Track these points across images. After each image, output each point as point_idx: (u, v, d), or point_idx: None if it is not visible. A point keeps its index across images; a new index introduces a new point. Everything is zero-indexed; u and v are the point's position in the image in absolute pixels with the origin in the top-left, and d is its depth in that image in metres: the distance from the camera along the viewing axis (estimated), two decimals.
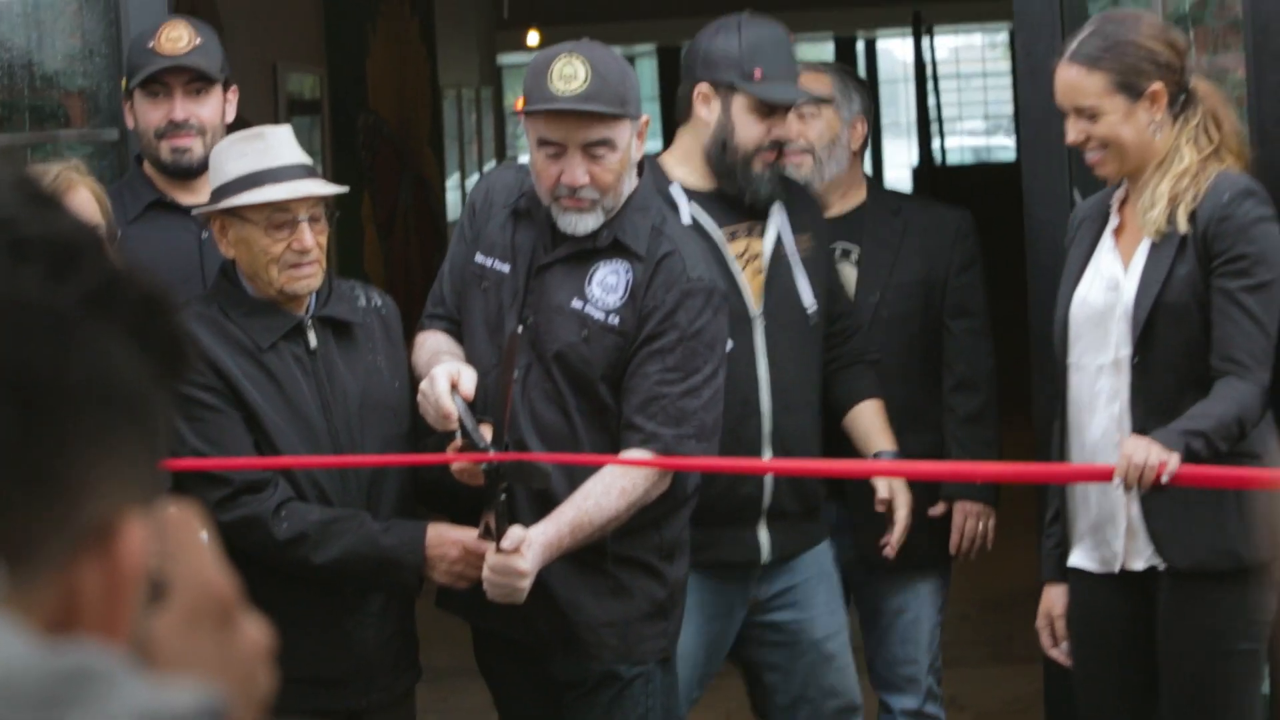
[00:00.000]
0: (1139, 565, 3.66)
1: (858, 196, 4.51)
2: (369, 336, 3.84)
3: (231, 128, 4.18)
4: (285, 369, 3.73)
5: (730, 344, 3.87)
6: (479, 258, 3.85)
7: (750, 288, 4.15)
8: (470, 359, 3.79)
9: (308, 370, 3.75)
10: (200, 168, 4.06)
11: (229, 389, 3.67)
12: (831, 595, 4.28)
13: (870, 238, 4.45)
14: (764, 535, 4.15)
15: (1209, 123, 3.64)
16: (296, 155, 3.75)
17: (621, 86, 3.71)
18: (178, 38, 4.12)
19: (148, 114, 4.11)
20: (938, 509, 4.37)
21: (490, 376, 3.70)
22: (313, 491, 3.71)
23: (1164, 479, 3.29)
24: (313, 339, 3.77)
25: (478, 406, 3.64)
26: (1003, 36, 19.02)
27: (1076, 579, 3.78)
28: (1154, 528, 3.62)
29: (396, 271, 10.63)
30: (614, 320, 3.72)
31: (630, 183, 3.77)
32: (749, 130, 4.11)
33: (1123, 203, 3.74)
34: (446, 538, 3.71)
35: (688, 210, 4.14)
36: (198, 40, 4.12)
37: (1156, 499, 3.53)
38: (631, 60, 20.78)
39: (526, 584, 3.54)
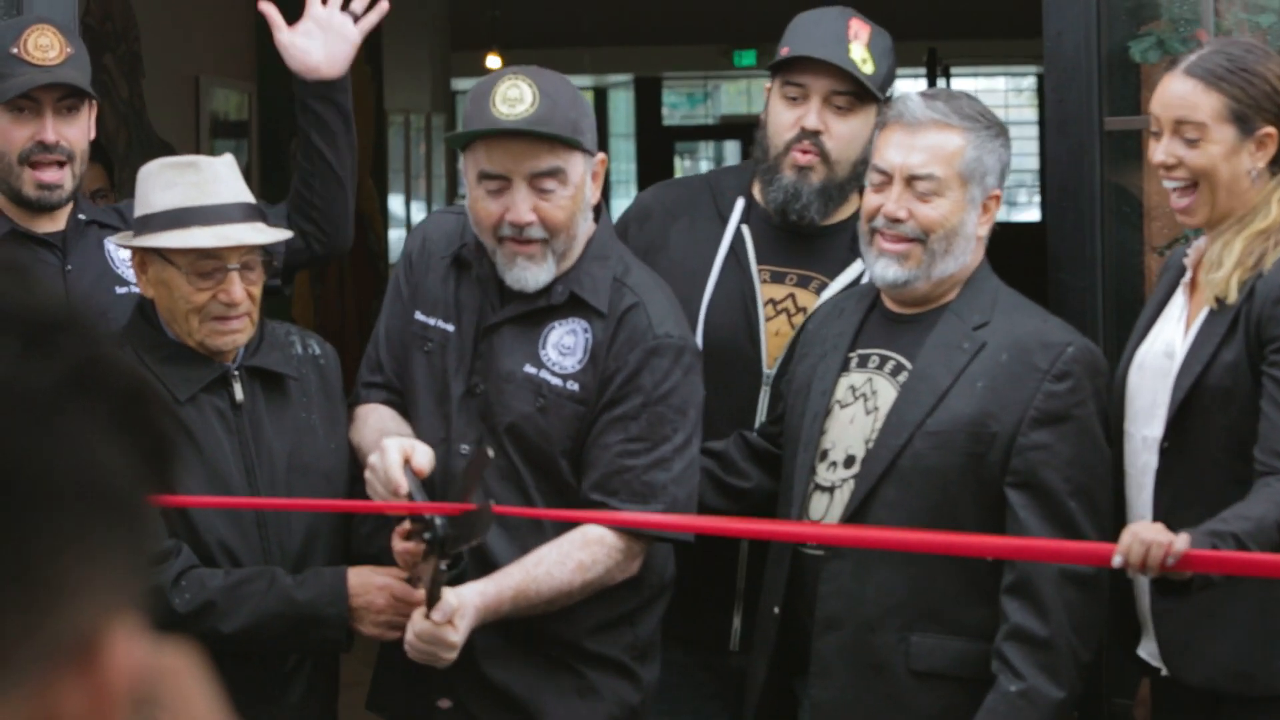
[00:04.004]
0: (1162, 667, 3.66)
1: None
2: (304, 391, 3.81)
3: (95, 147, 4.16)
4: (205, 425, 3.69)
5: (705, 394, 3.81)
6: (419, 315, 3.84)
7: (768, 342, 4.07)
8: (415, 431, 3.77)
9: (231, 427, 3.72)
10: (68, 200, 4.02)
11: None
12: None
13: None
14: (737, 622, 4.11)
15: None
16: (235, 192, 3.70)
17: (574, 112, 3.70)
18: (48, 45, 3.98)
19: (9, 132, 3.97)
20: None
21: (439, 451, 3.68)
22: (227, 564, 3.68)
23: (1169, 560, 3.26)
24: (239, 391, 3.74)
25: (434, 485, 3.62)
26: (1029, 81, 19.13)
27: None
28: (1162, 635, 3.62)
29: (329, 319, 10.61)
30: (573, 386, 3.70)
31: (585, 229, 3.75)
32: (777, 120, 4.05)
33: (1201, 256, 3.72)
34: (372, 583, 3.69)
35: (732, 230, 4.08)
36: (69, 50, 4.01)
37: (1164, 603, 3.52)
38: (604, 92, 20.90)
39: (453, 656, 3.54)
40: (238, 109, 9.66)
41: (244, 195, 3.72)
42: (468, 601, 3.55)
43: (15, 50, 3.95)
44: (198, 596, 3.62)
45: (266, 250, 3.74)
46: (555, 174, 3.66)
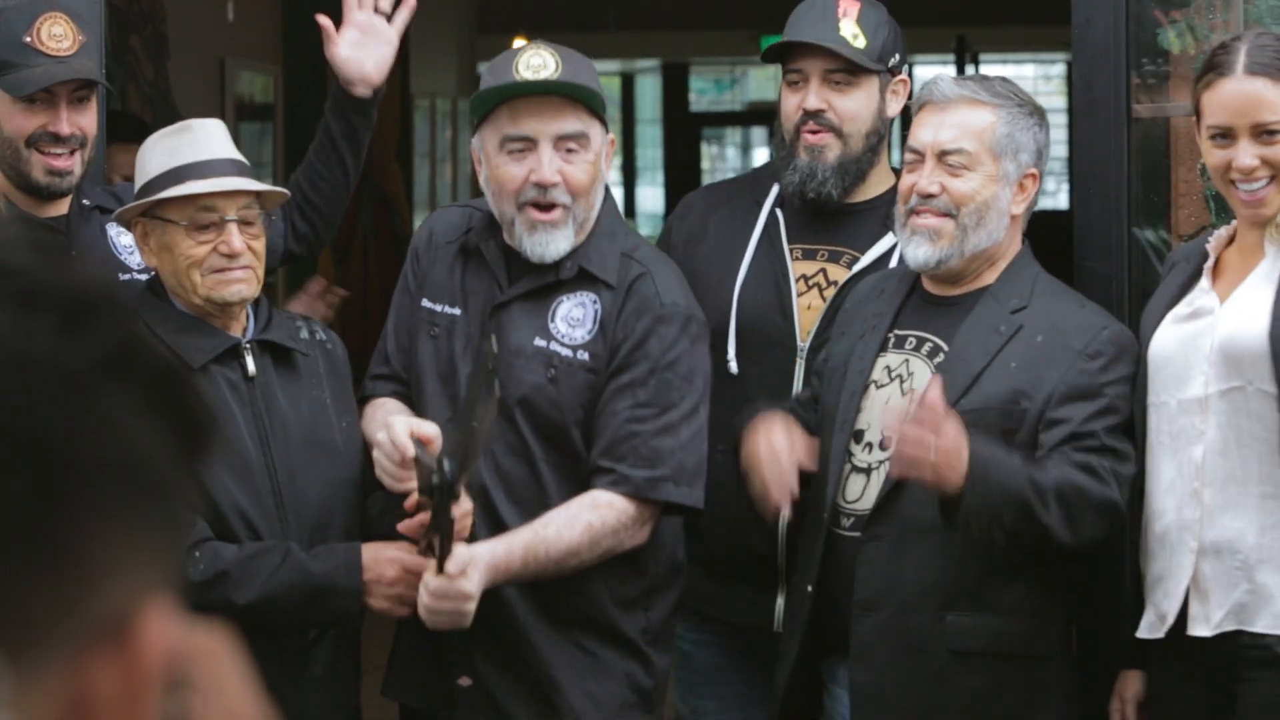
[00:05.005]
0: (1204, 630, 3.64)
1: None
2: (313, 370, 3.86)
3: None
4: (218, 395, 3.73)
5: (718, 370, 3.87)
6: (426, 303, 3.89)
7: (801, 315, 4.13)
8: (421, 414, 3.80)
9: (244, 399, 3.76)
10: (74, 187, 4.02)
11: None
12: None
13: None
14: (780, 602, 4.13)
15: None
16: (226, 149, 3.77)
17: (594, 84, 3.77)
18: (62, 35, 3.95)
19: (18, 120, 3.94)
20: None
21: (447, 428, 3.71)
22: (247, 536, 3.71)
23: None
24: (251, 364, 3.77)
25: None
26: (1059, 69, 19.11)
27: (1153, 655, 3.78)
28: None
29: (352, 301, 10.62)
30: (583, 356, 3.75)
31: (598, 205, 3.81)
32: (785, 106, 4.17)
33: (1225, 245, 3.75)
34: (382, 556, 3.71)
35: (765, 213, 4.17)
36: (82, 38, 3.98)
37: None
38: (631, 78, 20.88)
39: (471, 607, 3.55)
40: (263, 91, 9.68)
41: (234, 153, 3.78)
42: (479, 555, 3.58)
43: (29, 39, 3.92)
44: (212, 566, 3.64)
45: (263, 206, 3.79)
46: (579, 138, 3.73)
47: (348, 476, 3.81)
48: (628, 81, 21.12)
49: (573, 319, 3.77)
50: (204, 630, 1.05)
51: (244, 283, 3.73)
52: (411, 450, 3.58)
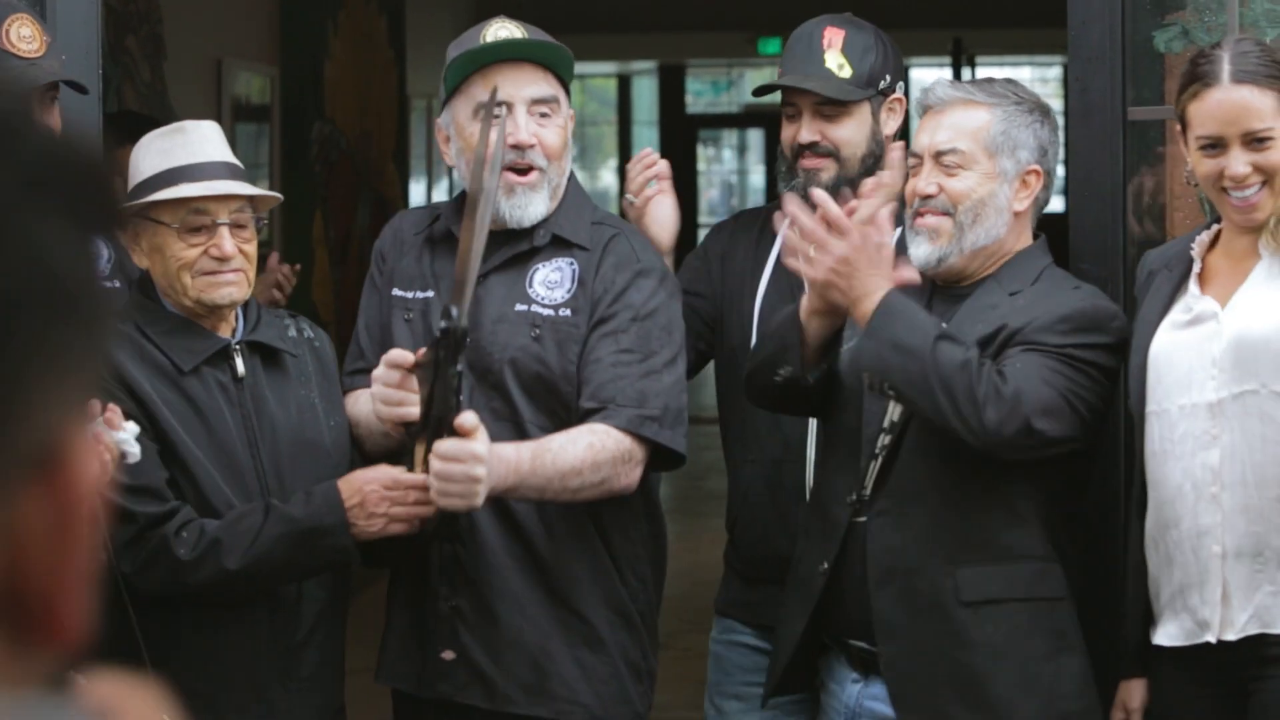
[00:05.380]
0: (1230, 635, 3.65)
1: None
2: (301, 370, 3.88)
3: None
4: (208, 396, 3.75)
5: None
6: (396, 292, 3.96)
7: None
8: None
9: (233, 400, 3.78)
10: None
11: (145, 416, 3.68)
12: None
13: None
14: None
15: None
16: (220, 152, 3.79)
17: (559, 51, 3.87)
18: (30, 37, 3.91)
19: None
20: None
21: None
22: None
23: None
24: (240, 366, 3.80)
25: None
26: (1055, 71, 19.14)
27: (1159, 663, 3.78)
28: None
29: (348, 302, 10.62)
30: (565, 313, 3.83)
31: (568, 171, 3.92)
32: (784, 136, 4.30)
33: (1208, 249, 3.76)
34: (358, 480, 3.72)
35: (783, 231, 4.19)
36: (47, 38, 3.97)
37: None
38: (628, 79, 20.84)
39: (482, 472, 3.52)
40: (260, 92, 9.68)
41: (228, 156, 3.81)
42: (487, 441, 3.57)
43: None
44: (200, 540, 3.66)
45: (256, 210, 3.81)
46: (551, 101, 3.84)
47: (334, 475, 3.82)
48: (624, 83, 21.12)
49: (550, 282, 3.85)
50: (136, 685, 1.04)
51: (234, 286, 3.75)
52: (411, 359, 3.59)
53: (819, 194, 3.70)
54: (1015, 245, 3.92)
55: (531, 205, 3.83)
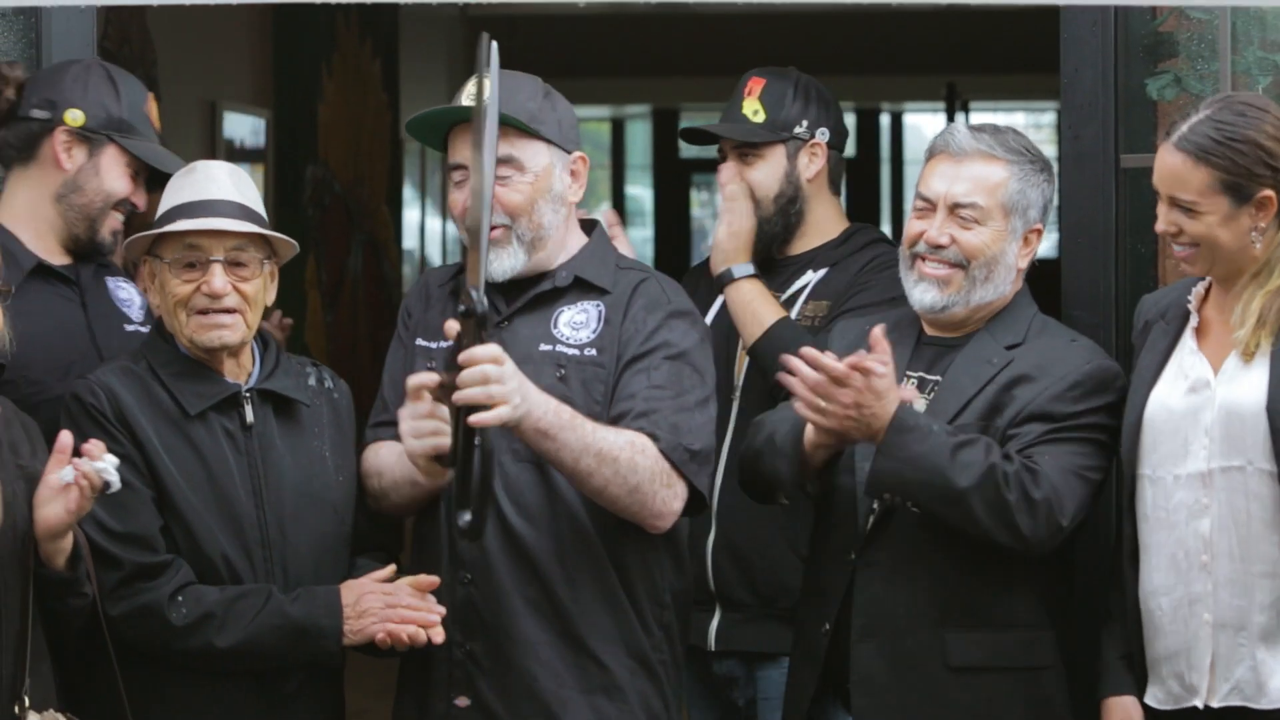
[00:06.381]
0: (1214, 701, 3.66)
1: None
2: (316, 420, 3.85)
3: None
4: (213, 443, 3.73)
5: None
6: (420, 341, 3.94)
7: (739, 361, 4.44)
8: None
9: (240, 449, 3.75)
10: None
11: (143, 460, 3.67)
12: None
13: None
14: (715, 621, 4.40)
15: None
16: (224, 191, 3.78)
17: (533, 104, 3.85)
18: (156, 117, 4.20)
19: (116, 180, 4.08)
20: None
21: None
22: (228, 580, 3.72)
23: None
24: (249, 413, 3.77)
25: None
26: (1049, 118, 19.15)
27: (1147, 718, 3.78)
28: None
29: (342, 346, 10.63)
30: (590, 353, 3.81)
31: (563, 225, 3.89)
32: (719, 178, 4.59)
33: (1203, 300, 3.77)
34: (359, 590, 3.71)
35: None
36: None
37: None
38: (621, 124, 20.84)
39: (502, 371, 3.50)
40: (254, 134, 9.70)
41: (233, 195, 3.79)
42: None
43: (146, 108, 4.16)
44: (195, 610, 3.65)
45: (263, 250, 3.80)
46: (508, 161, 3.81)
47: (339, 532, 3.81)
48: (618, 127, 21.13)
49: (575, 323, 3.84)
50: None
51: (227, 328, 3.73)
52: (434, 377, 3.57)
53: (811, 352, 3.75)
54: (1011, 297, 3.95)
55: (498, 260, 3.81)
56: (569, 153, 3.91)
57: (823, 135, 4.60)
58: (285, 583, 3.74)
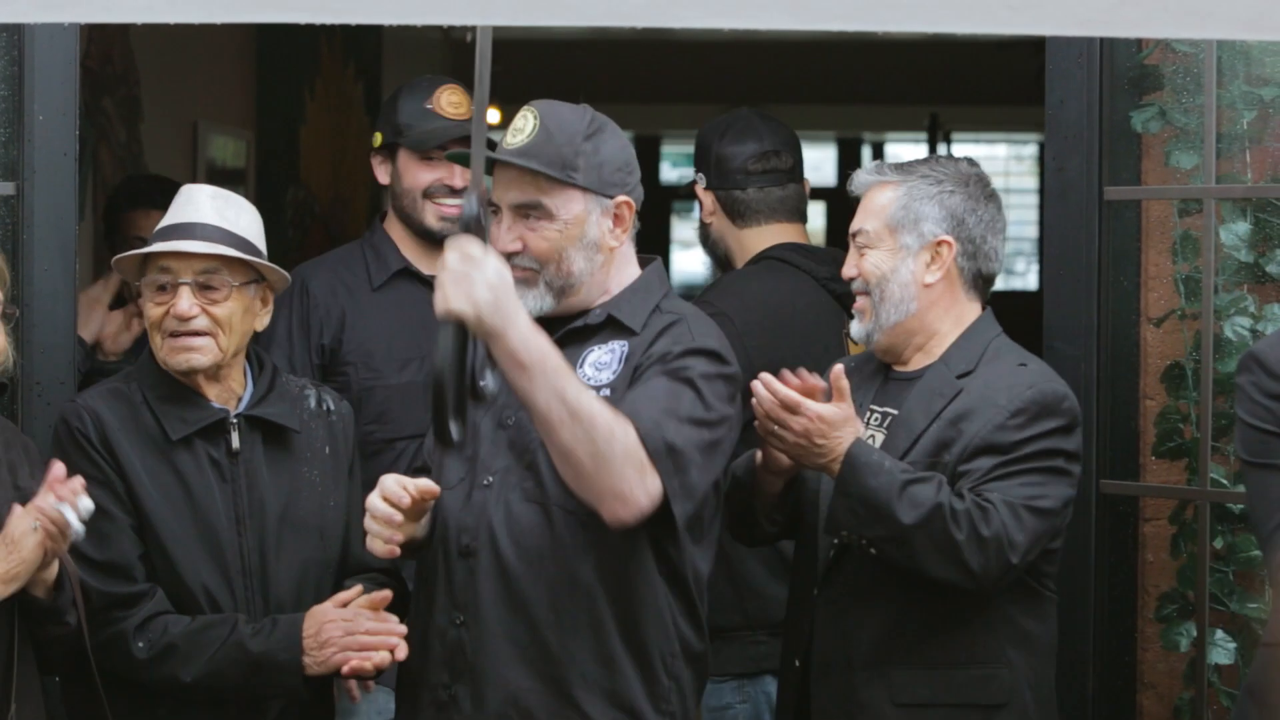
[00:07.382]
0: None
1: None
2: (308, 445, 3.82)
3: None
4: (196, 470, 3.72)
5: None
6: None
7: None
8: (440, 476, 3.74)
9: (225, 476, 3.74)
10: None
11: (124, 487, 3.66)
12: None
13: None
14: None
15: None
16: (202, 214, 3.79)
17: (569, 149, 3.75)
18: (459, 102, 4.61)
19: (418, 174, 4.59)
20: None
21: (459, 489, 3.70)
22: (208, 610, 3.70)
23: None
24: (235, 440, 3.75)
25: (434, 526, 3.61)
26: (1031, 149, 19.19)
27: None
28: None
29: None
30: (606, 392, 3.71)
31: (603, 270, 3.79)
32: None
33: None
34: (322, 617, 3.69)
35: None
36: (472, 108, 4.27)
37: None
38: None
39: (476, 254, 3.32)
40: (235, 156, 9.69)
41: (218, 220, 3.80)
42: None
43: (429, 105, 4.60)
44: (158, 643, 3.64)
45: (246, 274, 3.79)
46: (535, 208, 3.73)
47: (322, 559, 3.80)
48: None
49: (600, 364, 3.77)
50: None
51: (196, 351, 3.71)
52: (408, 498, 3.53)
53: (766, 377, 3.77)
54: (943, 319, 3.93)
55: (524, 298, 3.62)
56: (610, 197, 3.80)
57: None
58: (265, 610, 3.73)
